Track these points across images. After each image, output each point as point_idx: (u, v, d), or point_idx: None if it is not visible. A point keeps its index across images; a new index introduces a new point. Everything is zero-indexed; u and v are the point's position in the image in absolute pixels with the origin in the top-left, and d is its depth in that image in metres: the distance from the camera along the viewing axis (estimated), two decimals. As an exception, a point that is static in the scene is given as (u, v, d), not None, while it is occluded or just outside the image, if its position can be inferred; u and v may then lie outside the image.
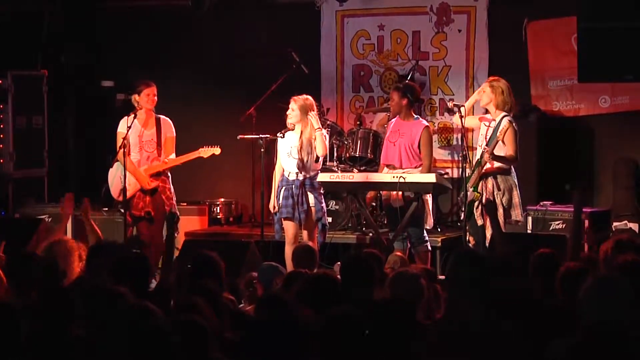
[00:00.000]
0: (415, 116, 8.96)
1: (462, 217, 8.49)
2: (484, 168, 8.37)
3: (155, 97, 8.97)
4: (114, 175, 8.99)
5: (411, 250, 8.76)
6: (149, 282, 5.65)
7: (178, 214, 8.48)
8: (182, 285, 5.55)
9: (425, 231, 8.81)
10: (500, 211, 8.32)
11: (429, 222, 8.87)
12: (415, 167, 8.75)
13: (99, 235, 7.11)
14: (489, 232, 8.29)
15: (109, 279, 5.17)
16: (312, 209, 8.72)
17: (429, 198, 8.81)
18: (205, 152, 9.11)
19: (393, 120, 9.10)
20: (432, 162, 9.03)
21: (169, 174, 9.11)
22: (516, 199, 8.42)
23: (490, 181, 8.39)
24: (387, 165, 8.92)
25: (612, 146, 10.46)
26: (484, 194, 8.36)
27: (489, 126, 8.54)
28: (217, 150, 9.12)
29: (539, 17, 10.55)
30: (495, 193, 8.36)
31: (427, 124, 9.01)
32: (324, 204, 8.86)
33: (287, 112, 8.77)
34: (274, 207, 8.79)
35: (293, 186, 8.68)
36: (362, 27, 11.28)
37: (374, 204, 9.76)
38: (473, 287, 4.50)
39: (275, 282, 6.27)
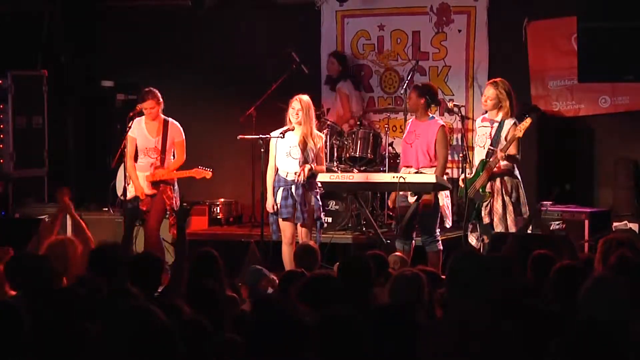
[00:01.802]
0: (431, 116, 8.94)
1: (475, 218, 8.49)
2: (494, 168, 8.40)
3: (154, 111, 8.96)
4: (121, 180, 9.05)
5: (425, 249, 8.78)
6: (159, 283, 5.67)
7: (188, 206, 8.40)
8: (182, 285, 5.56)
9: (437, 231, 8.80)
10: (510, 209, 8.38)
11: (447, 222, 8.87)
12: (432, 167, 8.74)
13: (86, 234, 7.05)
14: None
15: (121, 278, 5.20)
16: (313, 207, 8.72)
17: (441, 199, 8.76)
18: (199, 173, 9.03)
19: (410, 120, 9.08)
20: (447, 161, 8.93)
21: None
22: (522, 197, 8.48)
23: (498, 181, 8.44)
24: (407, 167, 8.88)
25: (612, 146, 10.46)
26: (493, 193, 8.40)
27: (490, 126, 8.56)
28: (208, 175, 9.04)
29: (539, 17, 10.55)
30: (503, 192, 8.40)
31: (442, 123, 8.97)
32: (320, 203, 8.86)
33: (291, 111, 8.70)
34: (273, 207, 8.72)
35: (293, 186, 8.63)
36: (362, 27, 11.28)
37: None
38: (473, 288, 4.50)
39: (262, 285, 6.25)
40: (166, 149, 9.00)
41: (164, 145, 9.00)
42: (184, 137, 9.10)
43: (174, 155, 9.12)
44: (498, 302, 4.71)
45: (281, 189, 8.64)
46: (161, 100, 9.00)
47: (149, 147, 8.99)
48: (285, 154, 8.67)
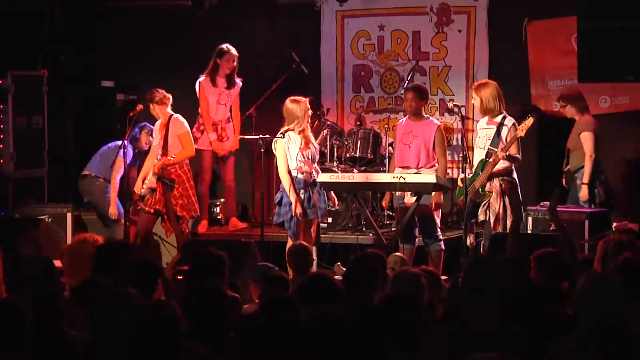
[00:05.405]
0: (426, 116, 8.98)
1: (479, 218, 8.53)
2: (495, 168, 8.41)
3: (154, 112, 9.17)
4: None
5: (425, 250, 8.79)
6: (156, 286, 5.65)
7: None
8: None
9: (438, 232, 8.81)
10: (509, 212, 8.38)
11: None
12: (431, 167, 8.78)
13: None
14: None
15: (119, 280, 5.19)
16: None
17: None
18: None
19: (401, 121, 9.09)
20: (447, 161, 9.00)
21: (183, 175, 9.16)
22: (519, 198, 8.49)
23: (497, 181, 8.45)
24: (403, 168, 8.87)
25: (612, 146, 10.45)
26: (493, 193, 8.43)
27: (487, 128, 8.60)
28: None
29: (539, 17, 10.55)
30: (503, 193, 8.42)
31: (439, 123, 9.02)
32: None
33: (306, 112, 8.61)
34: (301, 211, 8.52)
35: (312, 186, 8.65)
36: (362, 27, 11.28)
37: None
38: (493, 296, 4.46)
39: None
40: (168, 145, 9.12)
41: (166, 142, 9.16)
42: (187, 128, 9.22)
43: None
44: (509, 305, 4.70)
45: (301, 190, 8.60)
46: (156, 98, 9.10)
47: (156, 145, 9.17)
48: (302, 156, 8.61)
